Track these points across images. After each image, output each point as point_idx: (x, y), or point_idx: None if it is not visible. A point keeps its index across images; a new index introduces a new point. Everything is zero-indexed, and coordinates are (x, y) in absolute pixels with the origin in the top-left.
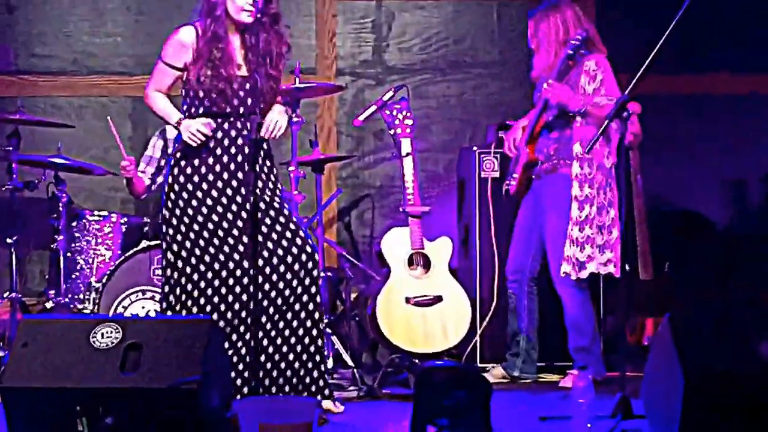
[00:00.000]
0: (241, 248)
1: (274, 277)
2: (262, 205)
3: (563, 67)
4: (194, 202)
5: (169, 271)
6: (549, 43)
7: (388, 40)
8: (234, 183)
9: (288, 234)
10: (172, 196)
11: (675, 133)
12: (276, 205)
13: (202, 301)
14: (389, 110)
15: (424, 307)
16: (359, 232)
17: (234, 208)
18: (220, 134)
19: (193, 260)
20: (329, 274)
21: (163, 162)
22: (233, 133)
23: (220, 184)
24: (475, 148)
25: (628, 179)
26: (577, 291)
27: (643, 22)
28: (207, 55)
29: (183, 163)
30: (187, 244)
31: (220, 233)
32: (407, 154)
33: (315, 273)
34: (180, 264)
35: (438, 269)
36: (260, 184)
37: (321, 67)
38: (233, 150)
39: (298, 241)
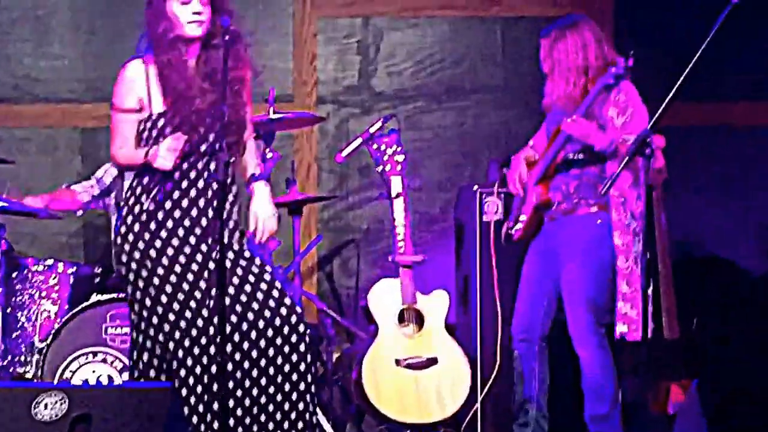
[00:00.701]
0: (209, 304)
1: (253, 335)
2: (231, 255)
3: (594, 99)
4: (152, 253)
5: (134, 334)
6: (566, 68)
7: (376, 63)
8: (197, 231)
9: (263, 286)
10: (126, 247)
11: (704, 170)
12: (246, 254)
13: (174, 365)
14: (377, 144)
15: (417, 371)
16: (343, 283)
17: (198, 259)
18: (177, 175)
19: (155, 320)
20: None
21: (113, 190)
22: (193, 174)
23: (181, 232)
24: (475, 186)
25: (650, 222)
26: (601, 350)
27: (662, 48)
28: (161, 88)
29: (136, 209)
30: (147, 302)
31: (185, 287)
32: (398, 195)
33: (301, 328)
34: (143, 325)
35: (433, 327)
36: (227, 231)
37: (299, 94)
38: (193, 193)
39: (275, 293)
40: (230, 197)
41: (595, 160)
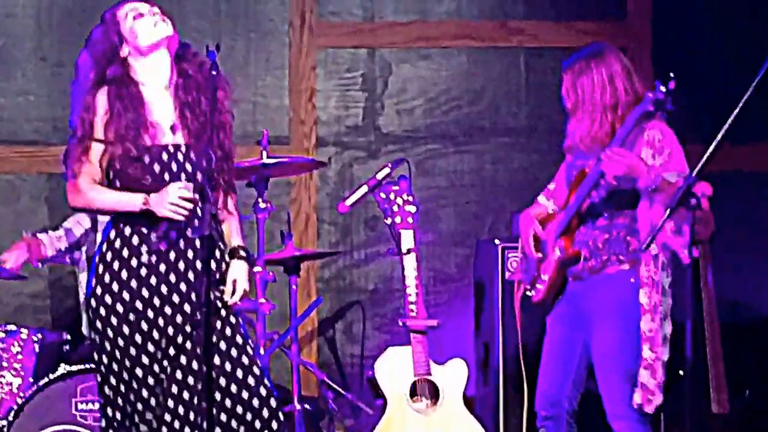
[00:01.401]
0: (189, 382)
1: (234, 424)
2: (217, 323)
3: (631, 130)
4: (132, 318)
5: (108, 410)
6: (591, 105)
7: (384, 100)
8: (175, 299)
9: (239, 373)
10: (102, 311)
11: (756, 220)
12: (231, 319)
13: None
14: (385, 192)
15: None
16: (346, 351)
17: (175, 331)
18: (153, 235)
19: (132, 395)
20: (307, 406)
21: (83, 244)
22: (172, 231)
23: (157, 301)
24: (497, 240)
25: (696, 281)
26: (641, 427)
27: (706, 81)
28: (119, 116)
29: (115, 265)
30: (124, 374)
31: (162, 363)
32: (408, 250)
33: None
34: (119, 401)
35: (449, 401)
36: (212, 298)
37: (296, 135)
38: (172, 255)
39: (250, 380)
40: (217, 253)
41: (625, 208)
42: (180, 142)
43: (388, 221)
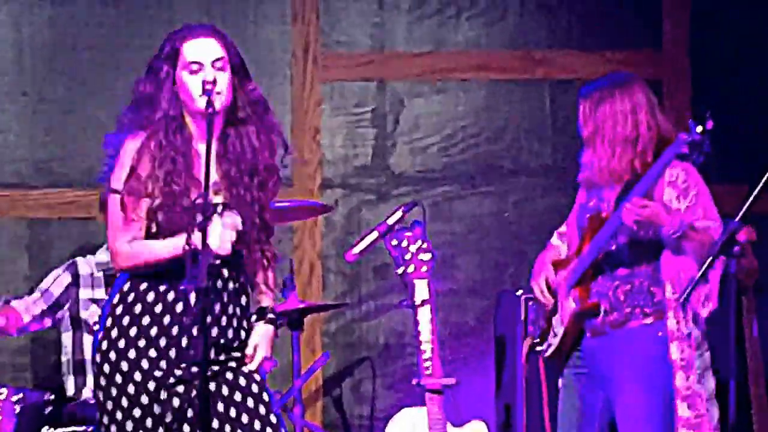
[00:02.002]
0: None
1: None
2: (230, 376)
3: (660, 175)
4: (137, 377)
5: None
6: (611, 135)
7: (395, 137)
8: (180, 366)
9: (257, 425)
10: (107, 368)
11: None
12: (241, 381)
13: None
14: (397, 239)
15: None
16: (354, 412)
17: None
18: (171, 296)
19: None
20: None
21: (64, 303)
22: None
23: (173, 353)
24: (520, 291)
25: (740, 331)
26: None
27: (741, 121)
28: (155, 172)
29: (114, 332)
30: None
31: (169, 421)
32: (423, 302)
33: None
34: None
35: None
36: (225, 358)
37: (299, 176)
38: (180, 310)
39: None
40: (230, 308)
41: (647, 256)
42: (219, 201)
43: (401, 270)
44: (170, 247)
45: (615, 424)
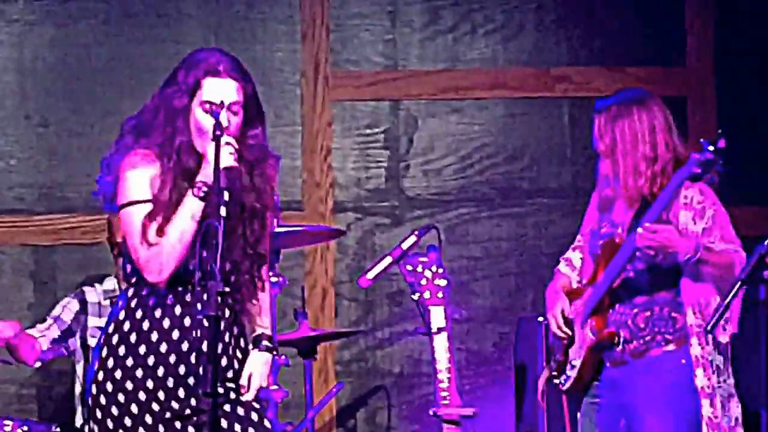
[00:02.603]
0: None
1: None
2: (228, 408)
3: (673, 197)
4: (134, 409)
5: None
6: (632, 150)
7: (409, 159)
8: (181, 393)
9: None
10: (102, 399)
11: None
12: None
13: None
14: (412, 264)
15: None
16: None
17: (183, 425)
18: (167, 323)
19: None
20: None
21: (75, 330)
22: (175, 334)
23: (170, 383)
24: (540, 318)
25: None
26: None
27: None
28: (171, 195)
29: (110, 362)
30: None
31: None
32: (439, 329)
33: None
34: None
35: None
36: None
37: (310, 200)
38: (184, 344)
39: None
40: (226, 337)
41: (667, 281)
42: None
43: (416, 296)
44: (186, 212)
45: None
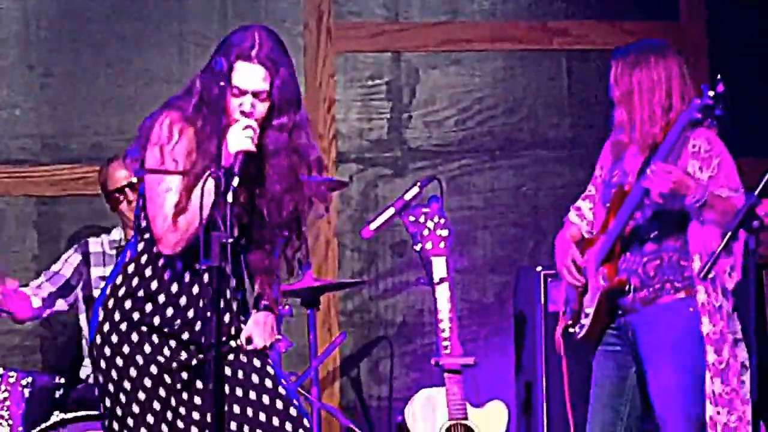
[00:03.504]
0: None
1: None
2: (233, 358)
3: (677, 141)
4: (139, 360)
5: None
6: (648, 97)
7: (411, 110)
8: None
9: (278, 405)
10: (107, 350)
11: None
12: (257, 363)
13: None
14: (414, 215)
15: None
16: (372, 392)
17: (189, 375)
18: (168, 275)
19: None
20: None
21: (76, 284)
22: (183, 300)
23: (166, 351)
24: (539, 267)
25: (761, 306)
26: None
27: (761, 93)
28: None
29: (117, 315)
30: (129, 421)
31: (174, 404)
32: (441, 280)
33: None
34: None
35: None
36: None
37: None
38: (183, 300)
39: (279, 404)
40: (229, 289)
41: (675, 229)
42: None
43: (418, 247)
44: (201, 192)
45: (647, 398)
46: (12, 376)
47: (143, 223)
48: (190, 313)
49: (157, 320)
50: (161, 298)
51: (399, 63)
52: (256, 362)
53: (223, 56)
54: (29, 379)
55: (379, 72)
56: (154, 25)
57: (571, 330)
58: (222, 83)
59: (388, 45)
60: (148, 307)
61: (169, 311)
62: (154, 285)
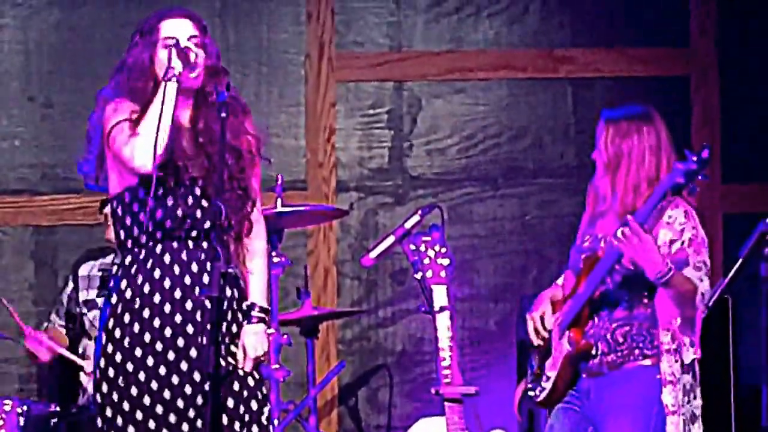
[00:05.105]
0: None
1: None
2: (236, 387)
3: (657, 204)
4: (142, 377)
5: None
6: (636, 169)
7: (412, 139)
8: (183, 366)
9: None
10: (111, 372)
11: None
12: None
13: None
14: (414, 243)
15: None
16: (371, 421)
17: (185, 404)
18: (167, 283)
19: None
20: None
21: (74, 310)
22: (177, 293)
23: (171, 356)
24: None
25: None
26: None
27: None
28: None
29: (117, 333)
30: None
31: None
32: (441, 308)
33: None
34: None
35: None
36: (224, 364)
37: (314, 179)
38: (179, 318)
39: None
40: (229, 315)
41: (645, 297)
42: (196, 175)
43: (419, 275)
44: (160, 96)
45: None
46: (7, 404)
47: (122, 233)
48: (188, 305)
49: (157, 322)
50: (156, 298)
51: (401, 92)
52: (250, 380)
53: (145, 24)
54: (24, 408)
55: (380, 101)
56: None
57: (530, 393)
58: (152, 40)
59: (390, 74)
60: (147, 336)
61: (167, 307)
62: (146, 288)
